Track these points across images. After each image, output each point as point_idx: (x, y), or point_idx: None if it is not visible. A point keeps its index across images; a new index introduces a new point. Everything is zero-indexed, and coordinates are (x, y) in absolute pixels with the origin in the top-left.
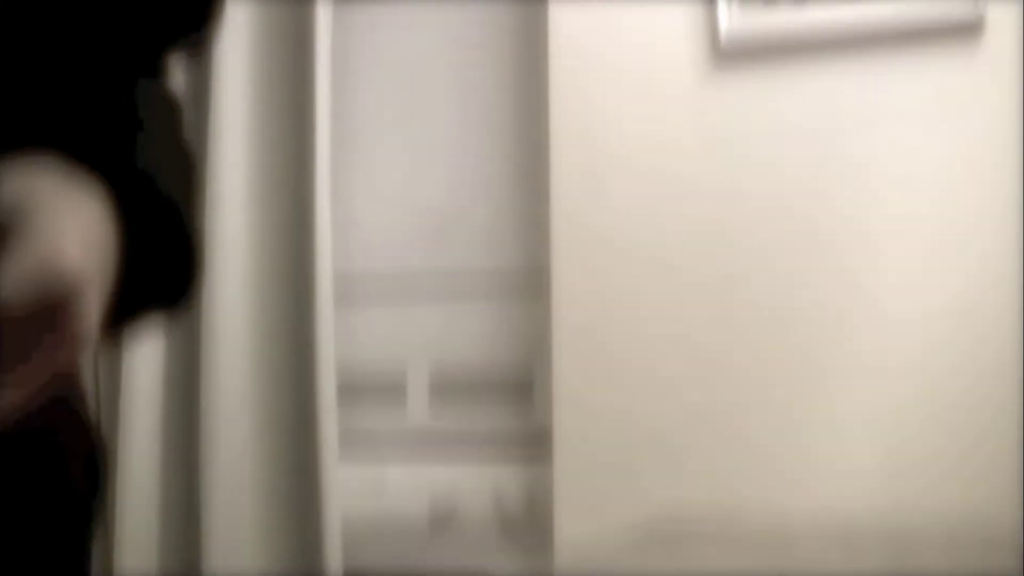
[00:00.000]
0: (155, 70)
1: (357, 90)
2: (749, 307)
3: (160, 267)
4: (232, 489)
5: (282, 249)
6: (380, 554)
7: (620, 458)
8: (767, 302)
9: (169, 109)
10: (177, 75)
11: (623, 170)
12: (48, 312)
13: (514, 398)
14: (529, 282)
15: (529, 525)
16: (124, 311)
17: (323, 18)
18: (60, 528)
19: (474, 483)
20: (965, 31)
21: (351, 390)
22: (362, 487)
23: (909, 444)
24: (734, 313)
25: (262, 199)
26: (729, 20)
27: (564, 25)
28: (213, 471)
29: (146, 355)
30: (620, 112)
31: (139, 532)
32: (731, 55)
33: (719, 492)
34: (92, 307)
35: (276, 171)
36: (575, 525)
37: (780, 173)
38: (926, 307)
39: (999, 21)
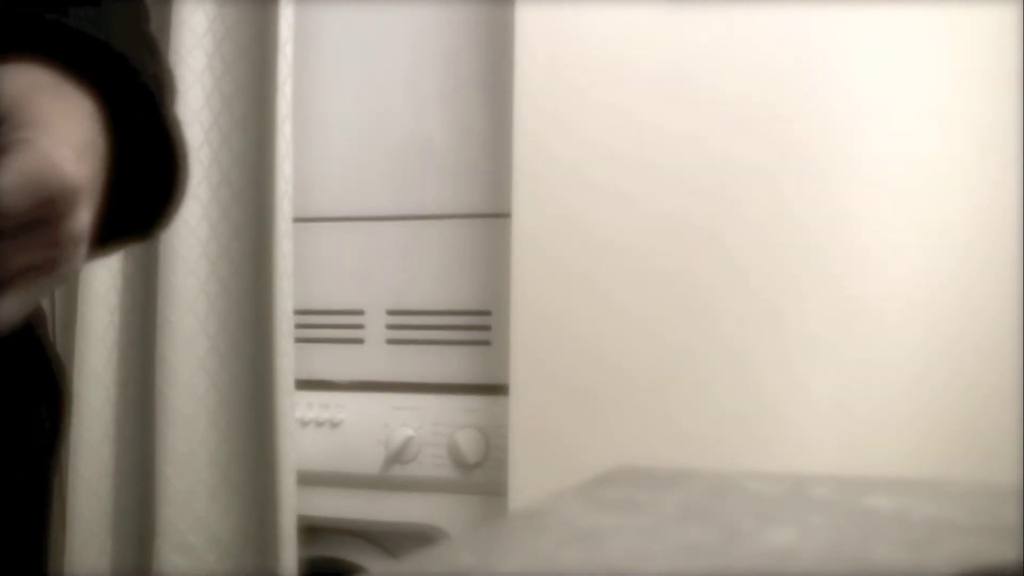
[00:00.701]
0: None
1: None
2: (718, 247)
3: (149, 169)
4: (187, 428)
5: (243, 186)
6: (334, 499)
7: (578, 408)
8: (736, 245)
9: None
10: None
11: (588, 112)
12: (47, 217)
13: (472, 345)
14: (491, 228)
15: (485, 471)
16: (114, 218)
17: None
18: (22, 458)
19: (430, 428)
20: None
21: (308, 330)
22: (317, 429)
23: (895, 428)
24: (706, 259)
25: (224, 139)
26: None
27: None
28: (167, 409)
29: (102, 283)
30: (585, 44)
31: (93, 468)
32: None
33: (680, 450)
34: (87, 212)
35: (237, 110)
36: (530, 474)
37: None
38: (913, 285)
39: None
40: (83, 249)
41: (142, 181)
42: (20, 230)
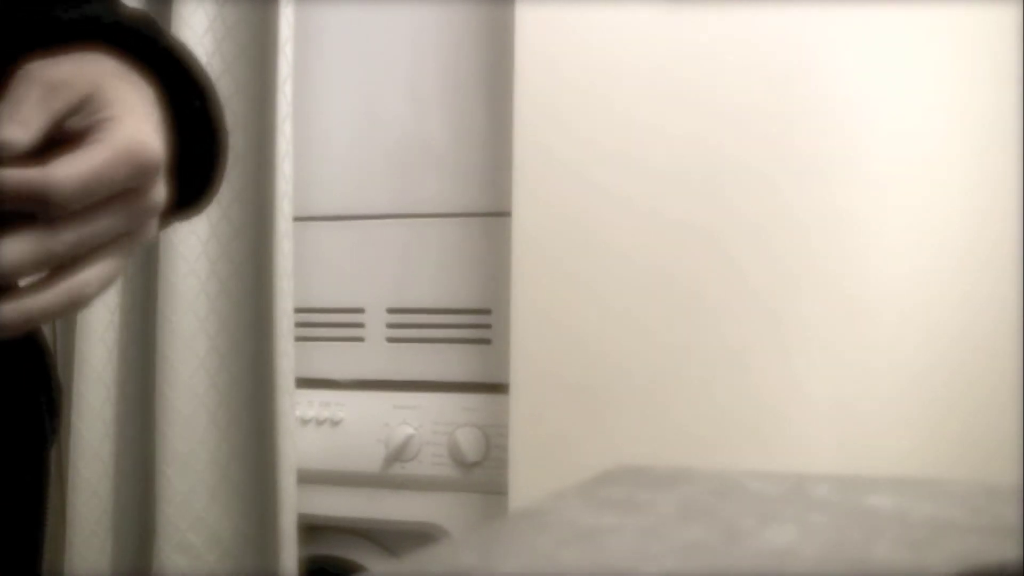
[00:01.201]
0: None
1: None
2: (718, 248)
3: (198, 150)
4: (187, 427)
5: (243, 186)
6: (334, 498)
7: (578, 407)
8: (736, 244)
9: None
10: None
11: (588, 111)
12: (135, 188)
13: (472, 344)
14: (490, 227)
15: (485, 470)
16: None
17: None
18: (23, 449)
19: (430, 426)
20: None
21: (309, 329)
22: (318, 428)
23: (894, 427)
24: (705, 259)
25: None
26: None
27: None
28: (168, 409)
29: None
30: (585, 44)
31: (93, 467)
32: None
33: (680, 450)
34: (163, 186)
35: (237, 109)
36: (530, 473)
37: (751, 123)
38: (913, 285)
39: None
40: (156, 220)
41: (192, 161)
42: (114, 199)
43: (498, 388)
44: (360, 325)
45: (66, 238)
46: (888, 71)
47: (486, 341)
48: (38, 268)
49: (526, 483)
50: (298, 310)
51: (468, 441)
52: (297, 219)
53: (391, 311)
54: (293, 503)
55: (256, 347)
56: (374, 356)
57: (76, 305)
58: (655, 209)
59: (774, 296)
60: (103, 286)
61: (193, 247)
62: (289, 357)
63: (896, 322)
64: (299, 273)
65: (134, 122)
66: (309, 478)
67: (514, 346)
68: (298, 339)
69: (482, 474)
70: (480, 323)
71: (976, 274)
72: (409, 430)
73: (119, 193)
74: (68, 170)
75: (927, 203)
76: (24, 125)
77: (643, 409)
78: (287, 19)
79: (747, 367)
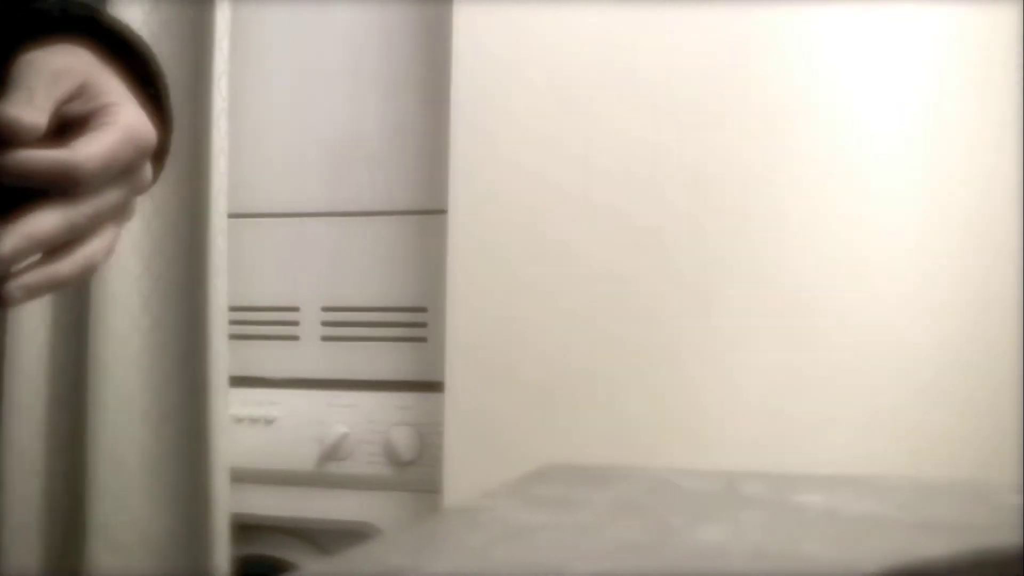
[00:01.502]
0: None
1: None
2: (656, 244)
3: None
4: (120, 426)
5: (177, 182)
6: (268, 497)
7: (513, 405)
8: (673, 242)
9: None
10: None
11: (525, 108)
12: (134, 169)
13: (408, 342)
14: (426, 224)
15: (420, 469)
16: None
17: None
18: None
19: (365, 425)
20: None
21: (243, 327)
22: (252, 426)
23: (828, 425)
24: (643, 256)
25: None
26: None
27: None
28: (100, 407)
29: None
30: (522, 41)
31: (23, 467)
32: None
33: (616, 447)
34: (149, 167)
35: (173, 103)
36: (465, 471)
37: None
38: (847, 280)
39: None
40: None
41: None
42: (118, 177)
43: (433, 387)
44: (295, 323)
45: (85, 211)
46: (840, 71)
47: (421, 339)
48: (64, 239)
49: (461, 482)
50: (232, 308)
51: (403, 440)
52: (232, 216)
53: (326, 309)
54: (226, 502)
55: (190, 345)
56: (309, 354)
57: (89, 272)
58: (591, 206)
59: (712, 295)
60: (107, 255)
61: (126, 243)
62: (223, 355)
63: (830, 321)
64: (234, 271)
65: (131, 108)
66: (243, 477)
67: (449, 344)
68: (232, 337)
69: (417, 473)
70: (416, 321)
71: (907, 272)
72: (343, 429)
73: (122, 171)
74: (90, 151)
75: (865, 205)
76: (41, 110)
77: (578, 407)
78: (223, 15)
79: (683, 366)
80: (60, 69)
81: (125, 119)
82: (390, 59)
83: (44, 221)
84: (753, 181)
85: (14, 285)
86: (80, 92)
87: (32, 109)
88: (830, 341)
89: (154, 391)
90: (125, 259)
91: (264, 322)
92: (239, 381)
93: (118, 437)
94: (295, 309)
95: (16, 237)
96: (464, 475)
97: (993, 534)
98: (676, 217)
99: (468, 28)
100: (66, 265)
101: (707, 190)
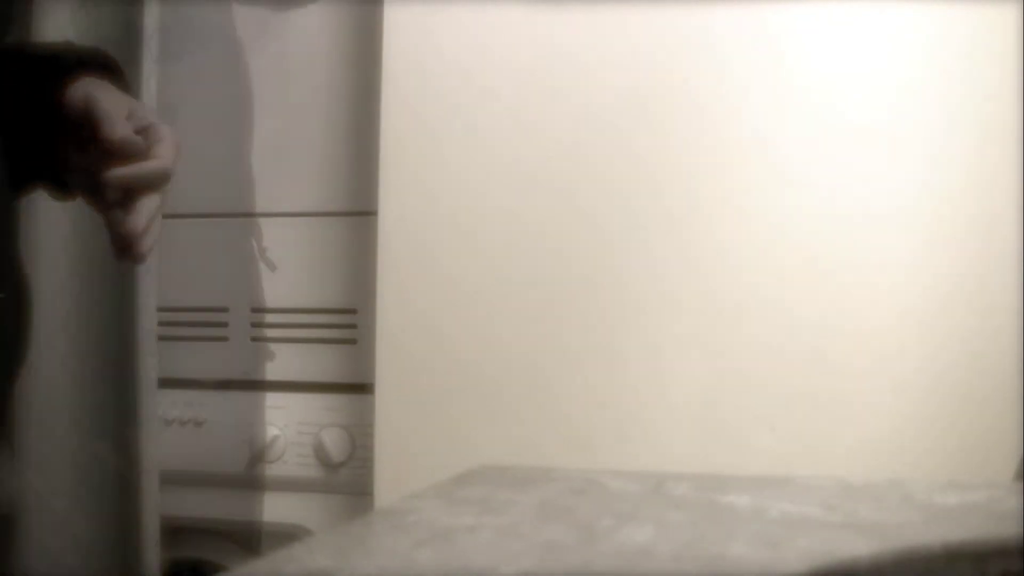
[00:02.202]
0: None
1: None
2: (587, 246)
3: None
4: (47, 428)
5: None
6: (197, 499)
7: (444, 406)
8: (604, 244)
9: None
10: None
11: (456, 110)
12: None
13: (338, 344)
14: (356, 226)
15: (350, 471)
16: None
17: None
18: None
19: (295, 427)
20: None
21: (172, 328)
22: (181, 428)
23: (756, 426)
24: (574, 258)
25: None
26: None
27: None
28: (26, 409)
29: None
30: (453, 43)
31: None
32: None
33: (549, 449)
34: None
35: None
36: (395, 473)
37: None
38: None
39: None
40: None
41: None
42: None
43: (364, 388)
44: (224, 324)
45: (165, 200)
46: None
47: (352, 341)
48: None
49: (391, 484)
50: (161, 309)
51: (333, 442)
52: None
53: (255, 310)
54: (156, 504)
55: (118, 346)
56: (238, 356)
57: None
58: (523, 208)
59: (644, 296)
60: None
61: (54, 243)
62: (152, 356)
63: (762, 320)
64: (162, 271)
65: (165, 125)
66: (172, 479)
67: (380, 346)
68: (161, 338)
69: (347, 475)
70: (346, 323)
71: (841, 272)
72: (274, 431)
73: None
74: (168, 159)
75: (784, 204)
76: (127, 130)
77: (509, 409)
78: (152, 14)
79: (617, 367)
80: (120, 98)
81: (169, 134)
82: (320, 60)
83: (153, 203)
84: (689, 183)
85: (147, 246)
86: (131, 114)
87: (128, 132)
88: (761, 340)
89: (82, 393)
90: (53, 259)
91: (193, 323)
92: (168, 383)
93: (46, 439)
94: (224, 310)
95: (146, 214)
96: (395, 477)
97: (918, 533)
98: (610, 218)
99: (398, 29)
100: (152, 235)
101: (645, 191)
